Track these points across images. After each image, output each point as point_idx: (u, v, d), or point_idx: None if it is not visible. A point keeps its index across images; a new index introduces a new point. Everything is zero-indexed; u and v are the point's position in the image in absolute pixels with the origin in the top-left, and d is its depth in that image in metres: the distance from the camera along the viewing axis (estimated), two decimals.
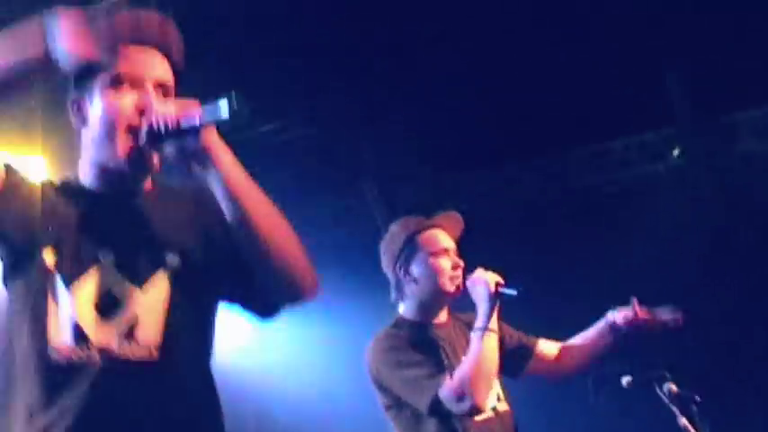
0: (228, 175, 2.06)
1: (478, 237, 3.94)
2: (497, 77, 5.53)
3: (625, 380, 3.61)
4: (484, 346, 3.33)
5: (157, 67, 2.17)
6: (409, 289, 3.61)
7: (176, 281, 2.12)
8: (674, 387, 3.50)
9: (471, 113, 5.81)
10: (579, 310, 3.81)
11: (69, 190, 2.21)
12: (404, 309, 3.64)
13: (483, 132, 6.01)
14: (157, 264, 2.12)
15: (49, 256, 2.08)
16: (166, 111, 2.05)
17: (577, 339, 3.77)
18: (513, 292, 3.40)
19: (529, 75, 5.55)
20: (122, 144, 2.10)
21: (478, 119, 5.87)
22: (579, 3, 5.12)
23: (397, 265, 3.63)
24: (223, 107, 1.96)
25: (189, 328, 2.14)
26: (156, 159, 2.14)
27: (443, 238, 3.66)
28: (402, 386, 3.39)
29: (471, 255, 3.65)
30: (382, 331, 3.56)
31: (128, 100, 2.11)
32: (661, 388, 3.52)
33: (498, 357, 3.38)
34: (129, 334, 2.06)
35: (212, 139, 2.04)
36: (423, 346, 3.47)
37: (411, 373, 3.37)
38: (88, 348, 2.03)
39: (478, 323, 3.40)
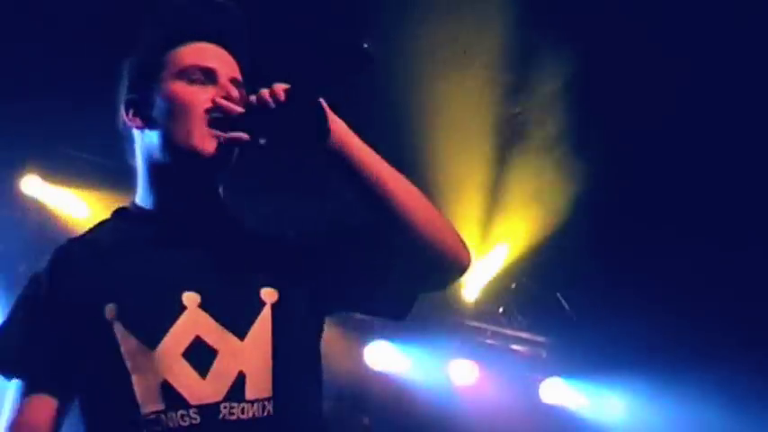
0: (362, 158, 1.77)
1: None
2: None
3: None
4: None
5: (230, 65, 1.93)
6: None
7: (277, 319, 1.83)
8: None
9: None
10: None
11: (128, 219, 1.93)
12: None
13: None
14: (254, 302, 1.82)
15: (111, 315, 1.79)
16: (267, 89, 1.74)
17: None
18: None
19: None
20: (199, 132, 1.82)
21: None
22: None
23: None
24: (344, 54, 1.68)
25: (300, 371, 1.86)
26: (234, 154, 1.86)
27: None
28: None
29: None
30: None
31: (203, 93, 1.86)
32: None
33: None
34: (237, 391, 1.77)
35: (334, 118, 1.75)
36: None
37: None
38: (186, 411, 1.75)
39: None
